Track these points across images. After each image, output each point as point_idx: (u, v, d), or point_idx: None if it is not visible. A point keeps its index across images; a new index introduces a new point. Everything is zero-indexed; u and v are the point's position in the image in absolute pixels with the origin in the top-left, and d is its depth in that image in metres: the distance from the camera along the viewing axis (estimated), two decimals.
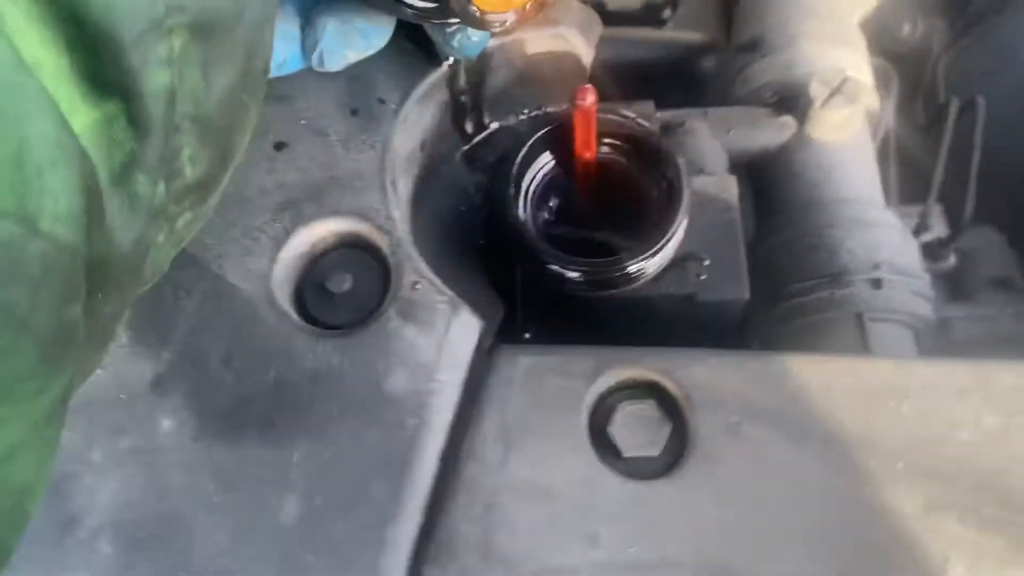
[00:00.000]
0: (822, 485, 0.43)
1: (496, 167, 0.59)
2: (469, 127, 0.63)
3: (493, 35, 0.53)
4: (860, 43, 0.66)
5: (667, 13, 0.91)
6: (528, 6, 0.51)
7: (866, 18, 0.74)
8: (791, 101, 0.62)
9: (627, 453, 0.44)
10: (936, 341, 0.72)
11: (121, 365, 0.45)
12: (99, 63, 0.25)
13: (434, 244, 0.58)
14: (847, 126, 0.60)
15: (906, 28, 0.86)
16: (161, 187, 0.30)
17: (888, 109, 0.76)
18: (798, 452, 0.44)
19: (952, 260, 0.73)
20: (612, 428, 0.44)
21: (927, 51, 0.86)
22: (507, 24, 0.50)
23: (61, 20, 0.24)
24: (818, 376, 0.46)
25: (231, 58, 0.30)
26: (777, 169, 0.62)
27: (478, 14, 0.48)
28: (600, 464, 0.44)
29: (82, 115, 0.25)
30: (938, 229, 0.76)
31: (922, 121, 0.84)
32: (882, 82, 0.78)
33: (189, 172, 0.31)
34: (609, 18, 0.85)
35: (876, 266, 0.54)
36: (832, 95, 0.57)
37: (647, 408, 0.45)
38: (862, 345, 0.54)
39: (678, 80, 0.80)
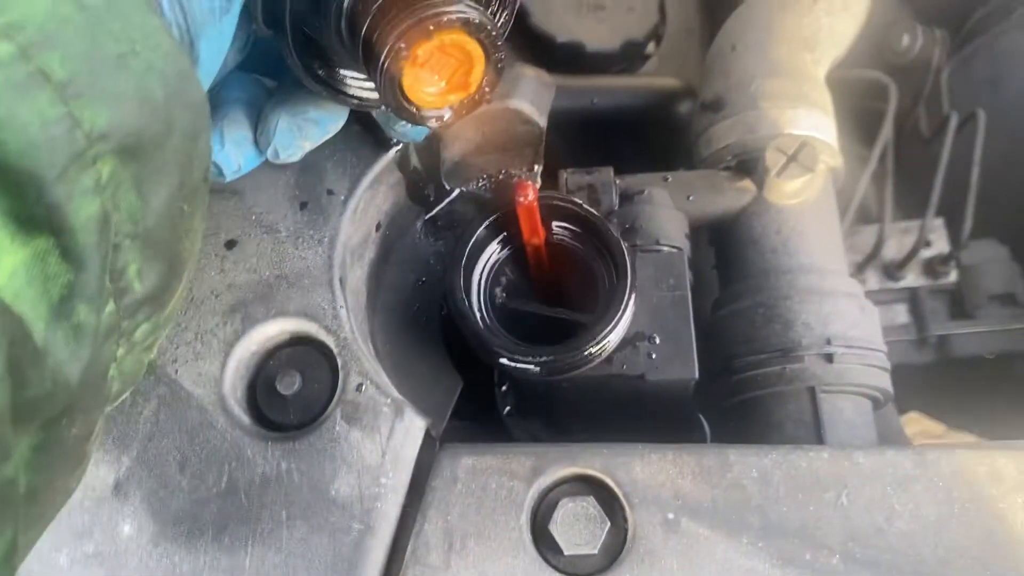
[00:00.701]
0: None
1: (447, 255, 0.59)
2: (431, 195, 0.63)
3: (431, 129, 0.53)
4: (825, 100, 0.64)
5: (651, 48, 0.90)
6: (465, 100, 0.51)
7: (838, 62, 0.72)
8: (750, 164, 0.61)
9: (567, 551, 0.45)
10: (936, 359, 0.71)
11: None
12: (23, 202, 0.25)
13: (393, 320, 0.59)
14: (804, 192, 0.59)
15: (905, 40, 0.83)
16: (110, 307, 0.30)
17: (887, 122, 0.74)
18: (735, 546, 0.45)
19: (953, 276, 0.72)
20: (553, 526, 0.45)
21: (927, 62, 0.84)
22: (444, 119, 0.50)
23: None
24: (756, 468, 0.47)
25: (165, 172, 0.30)
26: (737, 233, 0.62)
27: (414, 110, 0.48)
28: (541, 562, 0.45)
29: (12, 255, 0.25)
30: (939, 244, 0.75)
31: (923, 133, 0.82)
32: (881, 96, 0.77)
33: (138, 287, 0.31)
34: (588, 60, 0.84)
35: (828, 340, 0.54)
36: (788, 163, 0.57)
37: (587, 505, 0.46)
38: (814, 417, 0.54)
39: (655, 127, 0.80)
